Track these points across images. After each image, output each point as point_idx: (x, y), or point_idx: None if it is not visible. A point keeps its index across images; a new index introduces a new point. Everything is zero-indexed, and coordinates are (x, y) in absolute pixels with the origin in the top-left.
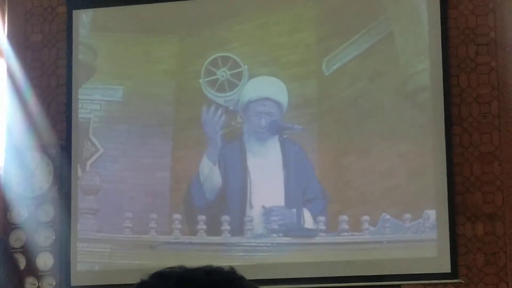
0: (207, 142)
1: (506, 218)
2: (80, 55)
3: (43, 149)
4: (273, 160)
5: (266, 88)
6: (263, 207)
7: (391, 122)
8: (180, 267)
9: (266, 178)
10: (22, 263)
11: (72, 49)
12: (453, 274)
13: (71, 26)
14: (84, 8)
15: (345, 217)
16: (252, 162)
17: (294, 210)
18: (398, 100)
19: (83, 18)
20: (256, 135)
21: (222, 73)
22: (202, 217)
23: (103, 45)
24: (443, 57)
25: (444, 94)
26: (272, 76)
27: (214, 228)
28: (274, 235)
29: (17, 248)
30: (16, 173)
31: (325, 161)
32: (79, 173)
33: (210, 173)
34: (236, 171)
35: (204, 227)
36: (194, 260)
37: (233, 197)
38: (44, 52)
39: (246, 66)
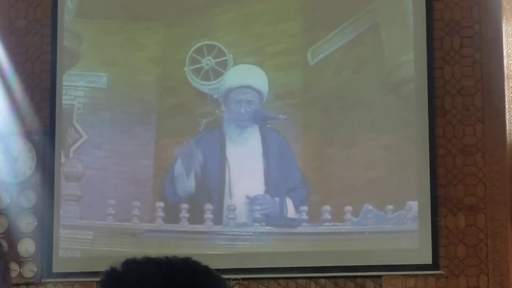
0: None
1: (488, 211)
2: (64, 41)
3: (27, 135)
4: (253, 149)
5: (246, 76)
6: (247, 196)
7: (375, 114)
8: (145, 258)
9: (246, 167)
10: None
11: (56, 35)
12: (434, 265)
13: (56, 12)
14: None
15: (327, 208)
16: (231, 151)
17: (277, 199)
18: (382, 92)
19: (68, 4)
20: (236, 122)
21: (207, 62)
22: (185, 205)
23: (88, 31)
24: (427, 49)
25: (428, 86)
26: (257, 65)
27: (196, 217)
28: (257, 224)
29: None
30: None
31: (309, 151)
32: (62, 159)
33: (181, 177)
34: (216, 160)
35: (187, 215)
36: (176, 248)
37: (213, 186)
38: (28, 37)
39: (231, 55)
